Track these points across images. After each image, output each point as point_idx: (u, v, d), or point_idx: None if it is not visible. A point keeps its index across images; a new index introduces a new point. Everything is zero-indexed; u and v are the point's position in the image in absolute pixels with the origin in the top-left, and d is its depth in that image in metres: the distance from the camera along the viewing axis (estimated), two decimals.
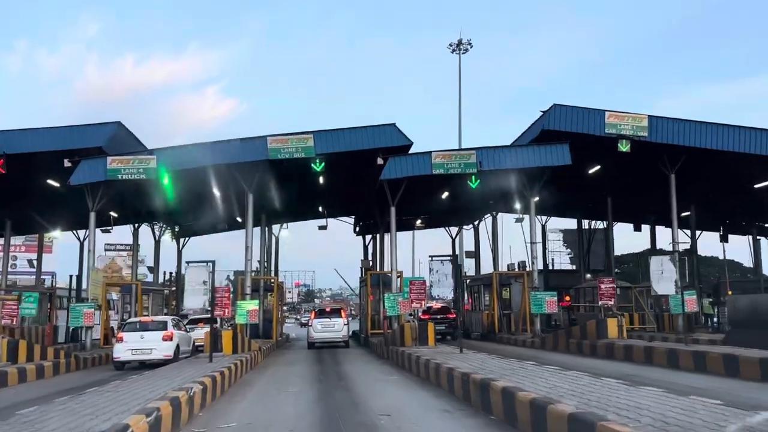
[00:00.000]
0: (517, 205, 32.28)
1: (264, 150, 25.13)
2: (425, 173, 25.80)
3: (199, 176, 26.53)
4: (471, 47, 52.45)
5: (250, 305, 25.02)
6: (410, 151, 26.22)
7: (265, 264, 34.99)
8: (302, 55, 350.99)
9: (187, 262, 35.42)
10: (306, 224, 43.16)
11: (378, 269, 35.35)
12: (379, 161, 25.54)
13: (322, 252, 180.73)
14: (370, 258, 37.84)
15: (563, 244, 65.35)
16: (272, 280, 32.70)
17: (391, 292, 26.52)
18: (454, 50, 52.62)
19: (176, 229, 40.25)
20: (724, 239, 41.52)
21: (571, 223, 45.03)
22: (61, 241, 49.12)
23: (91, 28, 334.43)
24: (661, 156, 27.00)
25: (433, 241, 56.25)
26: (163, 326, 20.64)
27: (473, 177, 25.75)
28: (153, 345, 19.82)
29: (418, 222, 39.00)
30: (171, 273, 39.70)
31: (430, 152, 25.89)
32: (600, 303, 23.04)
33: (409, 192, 26.45)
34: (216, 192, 29.82)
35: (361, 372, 17.56)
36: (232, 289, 26.02)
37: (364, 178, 29.07)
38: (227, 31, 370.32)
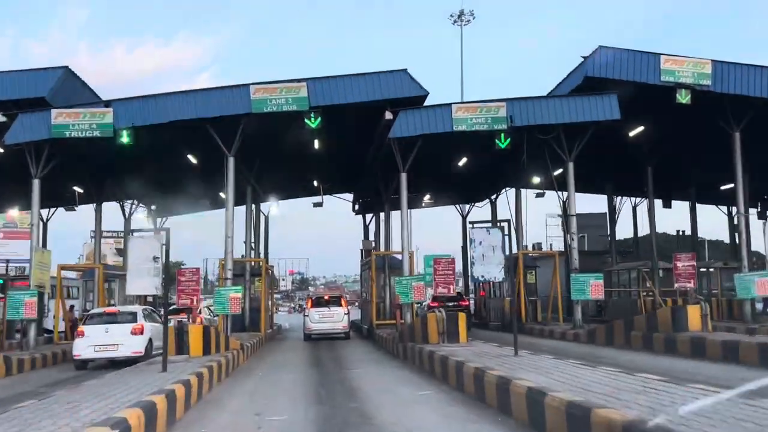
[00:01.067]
0: (544, 175, 27.46)
1: (246, 101, 20.21)
2: (444, 131, 20.94)
3: (168, 136, 21.64)
4: (474, 18, 47.63)
5: (232, 292, 20.23)
6: (425, 104, 21.32)
7: (252, 245, 30.12)
8: (295, 39, 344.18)
9: (132, 231, 31.03)
10: (299, 204, 38.13)
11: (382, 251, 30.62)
12: (388, 116, 20.65)
13: (316, 236, 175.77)
14: (372, 239, 32.92)
15: (562, 229, 60.79)
16: (260, 264, 27.74)
17: (402, 275, 21.73)
18: (455, 21, 47.98)
19: (152, 208, 35.23)
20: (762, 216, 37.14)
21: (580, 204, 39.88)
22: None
23: (81, 15, 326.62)
24: (724, 111, 22.21)
25: (437, 223, 51.19)
26: (132, 318, 17.11)
27: (502, 135, 20.86)
28: (120, 340, 16.34)
29: (426, 198, 34.08)
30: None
31: (450, 104, 21.01)
32: (676, 286, 18.28)
33: (419, 158, 21.62)
34: (191, 159, 24.87)
35: (377, 382, 12.75)
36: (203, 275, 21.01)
37: (368, 141, 24.17)
38: (218, 17, 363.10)
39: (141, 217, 34.41)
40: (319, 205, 33.23)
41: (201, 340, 14.99)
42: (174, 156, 24.68)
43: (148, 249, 11.63)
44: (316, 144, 24.76)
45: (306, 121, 20.25)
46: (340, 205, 37.67)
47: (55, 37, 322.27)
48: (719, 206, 37.58)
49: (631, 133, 24.73)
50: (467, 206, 36.92)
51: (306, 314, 26.64)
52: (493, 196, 33.72)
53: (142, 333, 16.66)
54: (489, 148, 24.00)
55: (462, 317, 15.41)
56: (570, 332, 21.14)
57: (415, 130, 20.80)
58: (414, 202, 35.41)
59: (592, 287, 21.27)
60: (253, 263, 28.36)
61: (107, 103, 20.09)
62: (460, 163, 26.32)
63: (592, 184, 33.58)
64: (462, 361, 10.85)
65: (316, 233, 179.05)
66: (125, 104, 20.14)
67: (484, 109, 20.80)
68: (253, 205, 31.17)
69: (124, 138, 19.80)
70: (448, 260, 16.47)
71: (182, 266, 21.50)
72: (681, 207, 37.00)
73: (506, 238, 13.50)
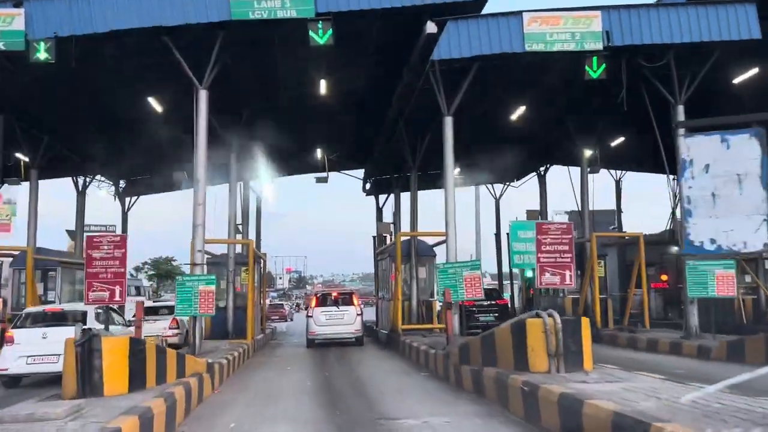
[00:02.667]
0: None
1: (224, 4, 13.47)
2: (510, 51, 14.26)
3: (118, 63, 14.94)
4: None
5: (202, 284, 13.58)
6: (483, 13, 14.65)
7: (239, 227, 23.34)
8: None
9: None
10: (296, 187, 31.04)
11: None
12: (430, 28, 13.99)
13: (315, 230, 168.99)
14: (390, 221, 26.12)
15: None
16: (248, 248, 20.86)
17: (439, 263, 15.11)
18: None
19: (120, 185, 28.47)
20: None
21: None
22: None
23: None
24: None
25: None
26: (78, 319, 12.56)
27: (594, 59, 14.19)
28: (61, 348, 9.99)
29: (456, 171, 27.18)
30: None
31: (521, 12, 14.29)
32: None
33: (463, 104, 15.09)
34: (155, 104, 18.17)
35: None
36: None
37: (393, 78, 17.49)
38: None
39: (104, 195, 27.68)
40: (323, 180, 26.54)
41: (126, 366, 8.26)
42: (131, 100, 17.98)
43: None
44: (323, 87, 18.12)
45: (312, 35, 13.53)
46: (344, 191, 30.96)
47: None
48: None
49: (736, 80, 18.06)
50: (500, 186, 30.24)
51: (309, 315, 20.32)
52: (541, 170, 26.80)
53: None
54: (555, 92, 17.55)
55: (586, 326, 8.65)
56: (688, 344, 14.45)
57: (470, 50, 14.14)
58: (432, 182, 28.82)
59: (717, 280, 14.61)
60: (239, 248, 21.57)
61: (17, 3, 13.31)
62: (514, 116, 19.60)
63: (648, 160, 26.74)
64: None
65: (315, 228, 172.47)
66: (44, 4, 13.39)
67: (570, 20, 14.10)
68: (240, 183, 24.45)
69: (42, 53, 13.09)
70: (560, 225, 9.74)
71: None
72: None
73: None
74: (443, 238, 16.96)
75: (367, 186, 30.51)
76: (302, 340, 22.16)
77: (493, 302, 22.58)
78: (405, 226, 25.68)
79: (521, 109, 19.05)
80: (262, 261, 23.85)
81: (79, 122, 19.72)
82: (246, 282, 20.42)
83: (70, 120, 19.68)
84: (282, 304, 52.35)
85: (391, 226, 25.28)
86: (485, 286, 21.27)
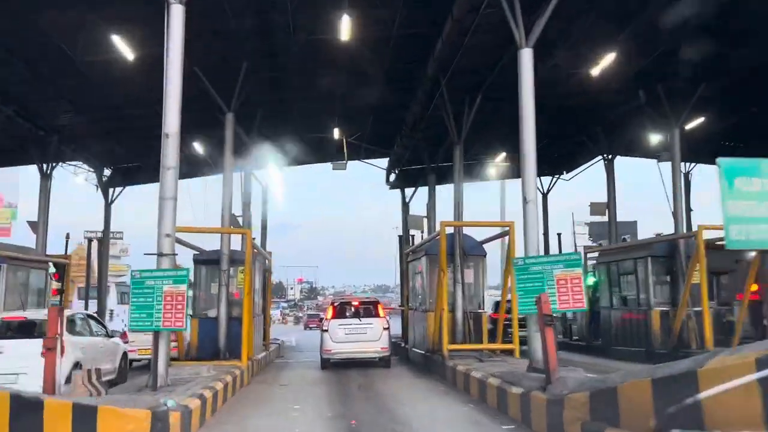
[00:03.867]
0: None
1: None
2: None
3: None
4: None
5: (169, 284, 8.96)
6: None
7: (239, 219, 18.73)
8: None
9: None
10: (308, 177, 26.35)
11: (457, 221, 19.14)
12: None
13: (327, 242, 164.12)
14: (423, 214, 21.30)
15: (589, 238, 49.37)
16: (245, 239, 15.95)
17: (518, 258, 10.44)
18: None
19: (104, 173, 24.00)
20: None
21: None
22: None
23: None
24: None
25: (487, 207, 39.51)
26: (44, 329, 9.17)
27: None
28: (21, 366, 9.53)
29: (498, 159, 22.45)
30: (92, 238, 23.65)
31: None
32: None
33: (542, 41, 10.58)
34: (127, 53, 13.71)
35: None
36: None
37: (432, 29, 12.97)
38: None
39: (80, 182, 23.23)
40: (341, 167, 21.94)
41: None
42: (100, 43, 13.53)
43: None
44: (344, 29, 13.54)
45: None
46: (359, 193, 26.34)
47: None
48: None
49: None
50: (549, 179, 25.46)
51: (324, 328, 16.10)
52: (608, 156, 21.72)
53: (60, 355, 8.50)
54: (652, 36, 13.04)
55: None
56: None
57: None
58: (470, 172, 24.17)
59: None
60: (238, 245, 16.87)
61: None
62: (596, 70, 14.88)
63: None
64: None
65: (327, 237, 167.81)
66: None
67: None
68: (241, 173, 19.94)
69: None
70: None
71: None
72: None
73: None
74: (500, 230, 12.40)
75: (391, 178, 25.88)
76: (314, 357, 17.77)
77: None
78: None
79: (606, 60, 14.30)
80: (266, 261, 19.20)
81: (40, 84, 15.36)
82: (241, 284, 15.73)
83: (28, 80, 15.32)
84: (320, 314, 48.84)
85: (424, 220, 20.61)
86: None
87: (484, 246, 16.20)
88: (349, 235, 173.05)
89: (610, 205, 20.03)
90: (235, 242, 16.66)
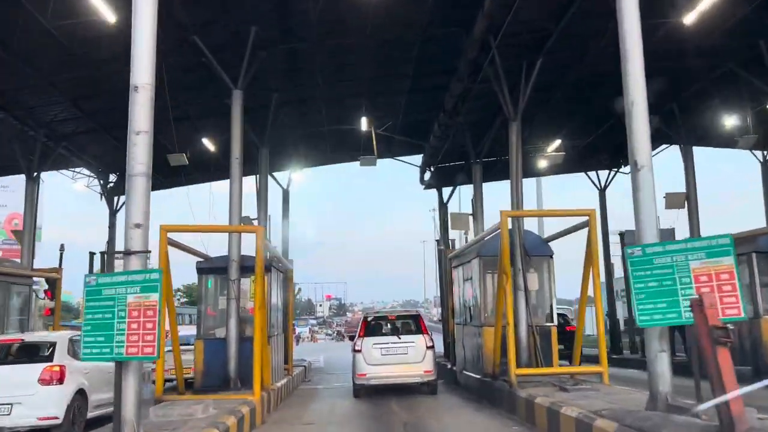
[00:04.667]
0: None
1: None
2: None
3: None
4: None
5: (134, 295, 5.98)
6: None
7: (253, 220, 15.90)
8: None
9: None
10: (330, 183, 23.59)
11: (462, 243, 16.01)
12: None
13: (358, 248, 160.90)
14: (468, 211, 18.19)
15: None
16: (258, 237, 12.67)
17: (634, 247, 7.32)
18: None
19: (109, 180, 21.52)
20: None
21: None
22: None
23: None
24: None
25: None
26: (45, 353, 9.57)
27: None
28: (16, 394, 8.73)
29: (551, 148, 19.24)
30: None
31: None
32: None
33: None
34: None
35: None
36: None
37: None
38: None
39: (81, 189, 20.76)
40: (369, 163, 19.01)
41: None
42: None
43: None
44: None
45: None
46: (389, 205, 23.45)
47: None
48: None
49: None
50: (607, 173, 22.26)
51: (357, 348, 13.47)
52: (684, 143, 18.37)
53: (61, 381, 8.98)
54: None
55: None
56: None
57: None
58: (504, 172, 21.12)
59: None
60: (251, 250, 13.97)
61: None
62: (690, 16, 11.77)
63: None
64: None
65: (355, 254, 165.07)
66: None
67: None
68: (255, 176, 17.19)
69: None
70: None
71: None
72: None
73: None
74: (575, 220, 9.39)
75: (426, 177, 22.92)
76: (345, 380, 15.37)
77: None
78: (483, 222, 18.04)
79: (705, 2, 11.19)
80: (287, 270, 16.32)
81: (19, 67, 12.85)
82: (253, 296, 12.82)
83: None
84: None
85: (470, 219, 17.58)
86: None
87: (551, 244, 13.10)
88: (376, 250, 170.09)
89: (690, 195, 16.77)
90: (250, 248, 13.79)
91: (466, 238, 16.95)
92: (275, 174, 21.49)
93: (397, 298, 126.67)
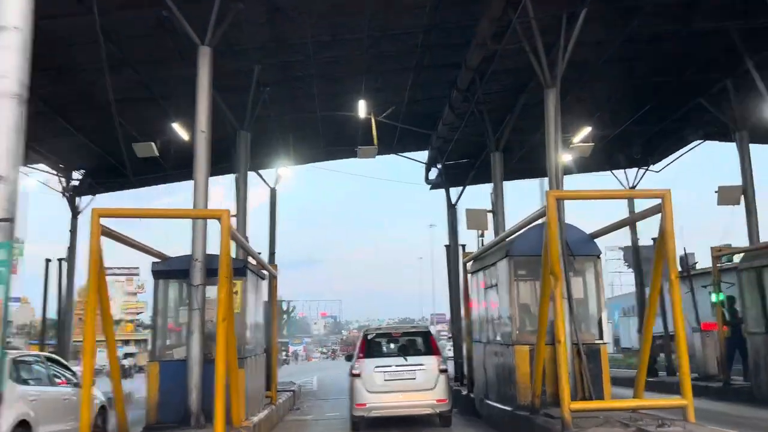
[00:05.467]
0: None
1: None
2: None
3: None
4: None
5: None
6: None
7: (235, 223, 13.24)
8: None
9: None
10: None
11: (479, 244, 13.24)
12: None
13: (354, 265, 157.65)
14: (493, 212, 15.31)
15: (624, 263, 43.51)
16: (221, 225, 9.61)
17: None
18: None
19: (71, 178, 18.83)
20: None
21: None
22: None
23: None
24: None
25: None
26: None
27: None
28: None
29: (579, 138, 16.57)
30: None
31: None
32: None
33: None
34: None
35: None
36: None
37: None
38: None
39: (33, 185, 18.08)
40: (369, 154, 16.30)
41: None
42: None
43: None
44: None
45: None
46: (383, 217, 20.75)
47: None
48: None
49: None
50: (635, 171, 19.61)
51: (356, 371, 10.94)
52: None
53: None
54: None
55: None
56: None
57: None
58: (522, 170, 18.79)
59: None
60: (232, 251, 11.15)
61: None
62: None
63: None
64: None
65: (349, 272, 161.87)
66: None
67: None
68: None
69: None
70: None
71: None
72: None
73: None
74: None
75: (431, 176, 20.28)
76: (340, 409, 13.47)
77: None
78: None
79: None
80: (268, 277, 13.53)
81: None
82: (240, 308, 10.01)
83: None
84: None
85: (489, 216, 14.86)
86: None
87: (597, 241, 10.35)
88: (372, 267, 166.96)
89: (747, 189, 14.11)
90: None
91: (482, 240, 14.28)
92: (262, 172, 18.89)
93: (393, 316, 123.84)
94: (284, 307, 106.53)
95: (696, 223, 59.83)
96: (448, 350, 21.81)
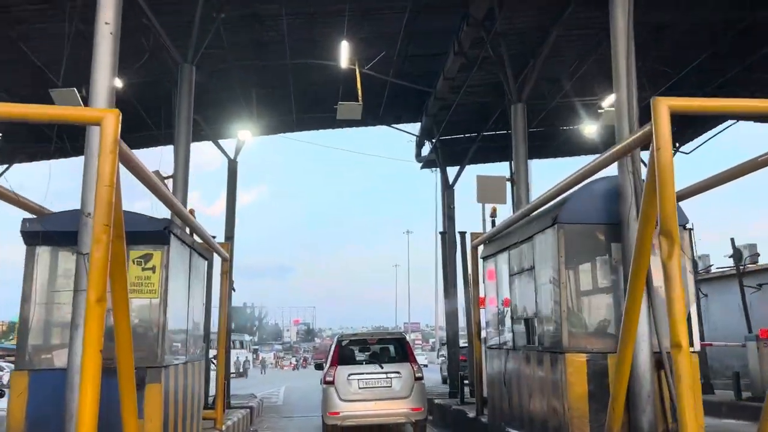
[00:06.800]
0: None
1: None
2: None
3: None
4: None
5: None
6: None
7: (165, 180, 9.91)
8: None
9: None
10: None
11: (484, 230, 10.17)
12: None
13: (327, 273, 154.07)
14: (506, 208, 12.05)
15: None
16: (100, 132, 5.86)
17: None
18: None
19: None
20: None
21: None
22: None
23: None
24: None
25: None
26: None
27: None
28: None
29: (607, 103, 13.52)
30: None
31: None
32: None
33: None
34: None
35: None
36: None
37: None
38: None
39: None
40: (352, 113, 12.91)
41: None
42: None
43: None
44: None
45: None
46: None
47: None
48: None
49: None
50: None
51: (329, 379, 10.18)
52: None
53: None
54: None
55: None
56: None
57: None
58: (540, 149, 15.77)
59: None
60: (149, 208, 7.62)
61: None
62: None
63: None
64: None
65: (325, 277, 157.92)
66: None
67: None
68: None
69: None
70: None
71: None
72: None
73: None
74: None
75: (425, 151, 17.06)
76: (309, 425, 12.08)
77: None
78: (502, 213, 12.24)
79: None
80: (221, 260, 10.14)
81: None
82: (157, 292, 6.60)
83: None
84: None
85: (508, 184, 11.63)
86: None
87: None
88: (346, 275, 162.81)
89: None
90: (154, 210, 7.46)
91: (494, 221, 11.10)
92: (220, 142, 15.55)
93: (367, 324, 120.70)
94: (256, 313, 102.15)
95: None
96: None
